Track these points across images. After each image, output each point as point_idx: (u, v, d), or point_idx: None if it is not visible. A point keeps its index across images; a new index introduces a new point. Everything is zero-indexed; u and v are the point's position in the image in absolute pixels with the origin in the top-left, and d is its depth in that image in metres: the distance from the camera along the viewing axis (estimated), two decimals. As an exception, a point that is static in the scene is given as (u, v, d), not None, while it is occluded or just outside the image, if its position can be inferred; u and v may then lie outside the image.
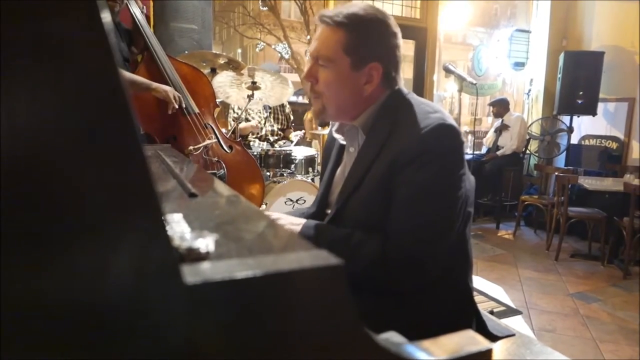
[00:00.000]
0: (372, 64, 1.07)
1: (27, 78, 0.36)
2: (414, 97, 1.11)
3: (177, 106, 2.25)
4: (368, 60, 1.07)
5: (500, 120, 5.34)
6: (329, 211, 1.20)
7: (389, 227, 1.00)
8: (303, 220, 1.13)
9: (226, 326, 0.42)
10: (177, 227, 0.55)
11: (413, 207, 0.99)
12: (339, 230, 1.07)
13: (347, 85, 1.08)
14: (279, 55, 11.76)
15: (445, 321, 1.02)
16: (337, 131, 1.21)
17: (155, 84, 2.22)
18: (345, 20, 1.05)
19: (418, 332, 0.61)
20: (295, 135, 3.85)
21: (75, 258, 0.38)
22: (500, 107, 5.34)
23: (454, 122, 1.03)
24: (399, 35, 1.11)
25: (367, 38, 1.07)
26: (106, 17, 0.37)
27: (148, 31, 2.39)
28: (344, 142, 1.21)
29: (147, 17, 3.05)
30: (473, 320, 1.13)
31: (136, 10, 2.36)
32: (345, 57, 1.06)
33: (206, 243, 0.47)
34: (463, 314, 1.12)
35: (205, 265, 0.44)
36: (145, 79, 2.23)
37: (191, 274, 0.41)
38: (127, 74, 2.20)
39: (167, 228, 0.42)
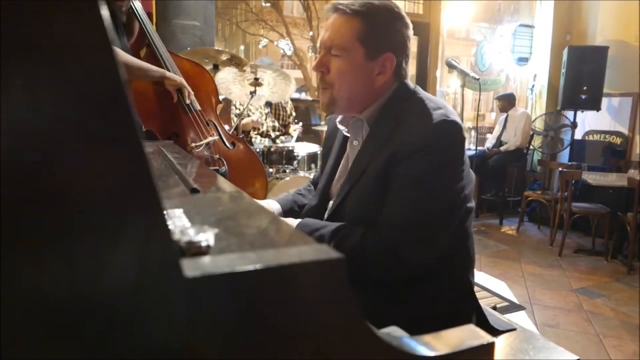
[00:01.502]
0: (386, 54, 1.07)
1: (26, 76, 0.36)
2: (420, 92, 1.11)
3: (191, 92, 2.26)
4: (382, 50, 1.07)
5: (505, 115, 5.33)
6: (329, 205, 1.20)
7: (378, 218, 1.00)
8: (296, 221, 1.13)
9: (227, 320, 0.42)
10: (178, 221, 0.55)
11: (401, 198, 0.99)
12: (330, 225, 1.07)
13: (360, 76, 1.08)
14: (282, 51, 11.75)
15: (445, 316, 1.02)
16: (341, 122, 1.21)
17: (169, 73, 2.22)
18: (361, 9, 1.05)
19: (418, 326, 0.61)
20: (294, 130, 3.85)
21: (75, 253, 0.38)
22: (506, 101, 5.32)
23: (457, 119, 1.03)
24: (411, 27, 1.11)
25: (382, 28, 1.06)
26: (105, 14, 0.37)
27: (150, 28, 2.38)
28: (347, 134, 1.20)
29: (149, 14, 3.04)
30: (473, 315, 1.13)
31: (138, 7, 2.35)
32: (360, 46, 1.05)
33: (206, 237, 0.47)
34: (463, 309, 1.12)
35: (206, 259, 0.44)
36: (159, 68, 2.22)
37: (191, 268, 0.41)
38: (142, 63, 2.18)
39: (168, 223, 0.42)
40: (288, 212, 1.33)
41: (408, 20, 1.10)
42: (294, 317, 0.45)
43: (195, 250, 0.46)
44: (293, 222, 1.12)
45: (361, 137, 1.15)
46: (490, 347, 0.55)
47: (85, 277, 0.38)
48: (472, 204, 1.10)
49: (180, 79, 2.25)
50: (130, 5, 2.31)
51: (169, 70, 2.34)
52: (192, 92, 2.33)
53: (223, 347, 0.42)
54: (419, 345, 0.53)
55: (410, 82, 1.14)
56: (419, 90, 1.12)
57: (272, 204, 1.32)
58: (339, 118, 1.22)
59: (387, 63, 1.08)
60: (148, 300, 0.39)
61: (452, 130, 1.01)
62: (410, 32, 1.11)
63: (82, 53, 0.37)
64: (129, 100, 0.38)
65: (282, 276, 0.44)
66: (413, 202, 0.98)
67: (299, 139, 3.92)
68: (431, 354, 0.52)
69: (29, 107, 0.36)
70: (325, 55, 1.09)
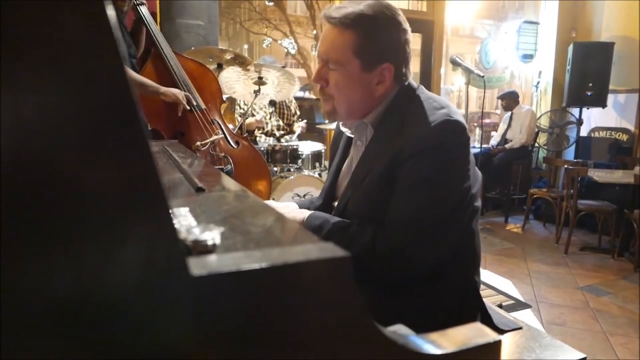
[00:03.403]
0: (384, 64, 1.05)
1: (33, 76, 0.36)
2: (423, 92, 1.10)
3: (187, 107, 2.26)
4: (379, 61, 1.05)
5: (509, 113, 5.31)
6: (335, 204, 1.20)
7: (386, 218, 1.00)
8: (308, 212, 1.13)
9: (233, 318, 0.42)
10: (184, 220, 0.55)
11: (408, 198, 0.99)
12: (340, 221, 1.07)
13: (359, 87, 1.07)
14: (285, 50, 11.75)
15: (450, 315, 1.02)
16: (345, 125, 1.21)
17: (163, 89, 2.23)
18: (354, 21, 1.02)
19: (423, 325, 0.61)
20: (297, 127, 3.85)
21: (82, 252, 0.38)
22: (510, 99, 5.29)
23: (460, 118, 1.02)
24: (409, 30, 1.09)
25: (377, 38, 1.04)
26: (111, 14, 0.37)
27: (154, 28, 2.40)
28: (351, 135, 1.20)
29: (154, 14, 3.06)
30: (478, 314, 1.12)
31: (143, 8, 2.37)
32: (356, 59, 1.04)
33: (212, 236, 0.48)
34: (468, 308, 1.11)
35: (212, 258, 0.44)
36: (154, 82, 2.24)
37: (197, 266, 0.41)
38: (137, 77, 2.21)
39: (174, 221, 0.42)
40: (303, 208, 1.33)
41: (405, 24, 1.07)
42: (300, 316, 0.45)
43: (202, 248, 0.46)
44: (304, 213, 1.12)
45: (365, 138, 1.15)
46: (497, 345, 0.55)
47: (92, 276, 0.38)
48: (478, 203, 1.09)
49: (174, 93, 2.24)
50: (138, 12, 2.33)
51: (174, 71, 2.35)
52: (192, 91, 2.33)
53: (229, 346, 0.42)
54: (425, 343, 0.53)
55: (414, 81, 1.13)
56: (422, 90, 1.11)
57: (290, 205, 1.31)
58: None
59: (386, 73, 1.06)
60: (154, 298, 0.40)
61: (455, 130, 1.00)
62: (409, 35, 1.09)
63: (88, 53, 0.37)
64: (135, 99, 0.38)
65: (288, 274, 0.44)
66: (420, 202, 0.98)
67: (302, 137, 3.92)
68: (438, 352, 0.52)
69: (34, 107, 0.36)
70: (323, 67, 1.08)
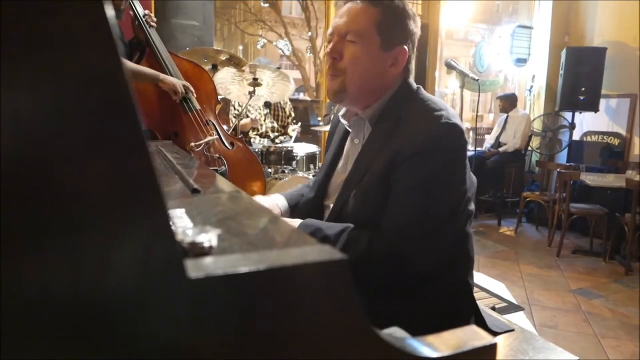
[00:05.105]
0: (400, 47, 1.08)
1: (30, 73, 0.36)
2: (422, 93, 1.10)
3: (183, 91, 2.26)
4: (397, 42, 1.07)
5: (504, 116, 5.34)
6: (326, 202, 1.19)
7: (382, 222, 1.00)
8: (298, 221, 1.11)
9: (230, 321, 0.42)
10: (180, 222, 0.55)
11: (405, 203, 0.98)
12: (332, 228, 1.05)
13: (374, 64, 1.07)
14: (280, 52, 11.75)
15: (443, 318, 1.02)
16: (344, 117, 1.19)
17: (162, 75, 2.24)
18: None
19: (416, 328, 0.61)
20: (292, 130, 3.85)
21: (80, 253, 0.37)
22: (507, 102, 5.32)
23: (458, 121, 1.02)
24: (419, 26, 1.13)
25: (399, 20, 1.07)
26: (110, 12, 0.36)
27: (150, 28, 2.39)
28: (349, 129, 1.19)
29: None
30: (472, 316, 1.12)
31: (138, 8, 2.36)
32: (377, 35, 1.05)
33: (209, 238, 0.47)
34: (462, 311, 1.11)
35: (209, 260, 0.44)
36: (153, 70, 2.24)
37: (194, 269, 0.41)
38: (136, 66, 2.21)
39: (170, 223, 0.42)
40: (295, 206, 1.30)
41: (419, 20, 1.12)
42: (297, 318, 0.45)
43: (198, 250, 0.46)
44: (295, 222, 1.10)
45: (362, 136, 1.14)
46: (492, 347, 0.55)
47: (89, 277, 0.38)
48: (472, 207, 1.10)
49: (173, 81, 2.25)
50: (133, 11, 2.32)
51: (169, 70, 2.35)
52: (188, 88, 2.34)
53: (226, 348, 0.42)
54: (422, 346, 0.53)
55: (413, 81, 1.14)
56: (422, 90, 1.12)
57: (279, 200, 1.30)
58: (342, 112, 1.20)
59: (400, 56, 1.08)
60: (152, 301, 0.39)
61: (453, 133, 1.00)
62: (419, 30, 1.12)
63: (86, 50, 0.37)
64: (133, 99, 0.38)
65: (286, 277, 0.44)
66: (417, 206, 0.98)
67: (297, 140, 3.92)
68: (434, 354, 0.52)
69: (32, 106, 0.36)
70: (340, 41, 1.07)
